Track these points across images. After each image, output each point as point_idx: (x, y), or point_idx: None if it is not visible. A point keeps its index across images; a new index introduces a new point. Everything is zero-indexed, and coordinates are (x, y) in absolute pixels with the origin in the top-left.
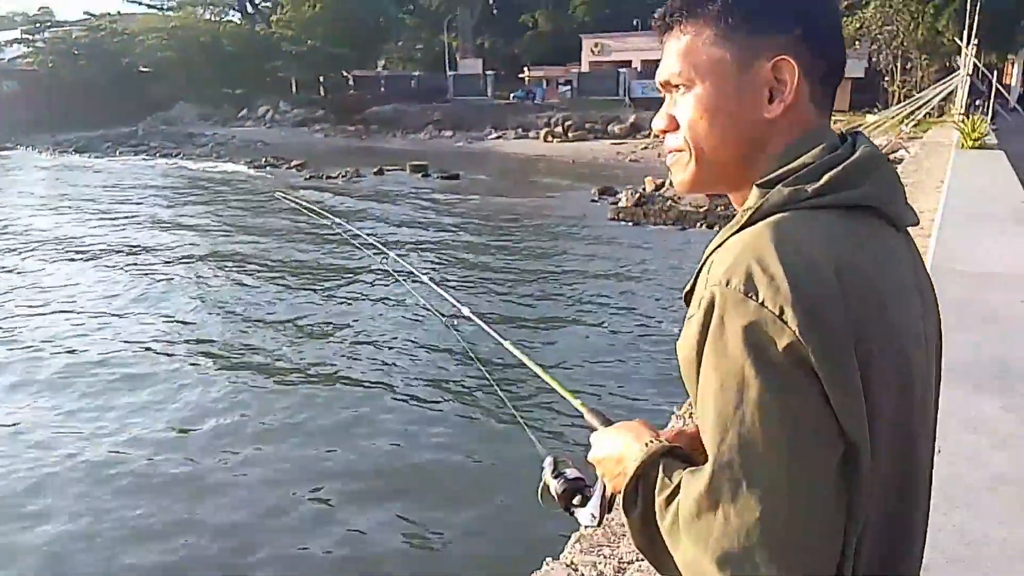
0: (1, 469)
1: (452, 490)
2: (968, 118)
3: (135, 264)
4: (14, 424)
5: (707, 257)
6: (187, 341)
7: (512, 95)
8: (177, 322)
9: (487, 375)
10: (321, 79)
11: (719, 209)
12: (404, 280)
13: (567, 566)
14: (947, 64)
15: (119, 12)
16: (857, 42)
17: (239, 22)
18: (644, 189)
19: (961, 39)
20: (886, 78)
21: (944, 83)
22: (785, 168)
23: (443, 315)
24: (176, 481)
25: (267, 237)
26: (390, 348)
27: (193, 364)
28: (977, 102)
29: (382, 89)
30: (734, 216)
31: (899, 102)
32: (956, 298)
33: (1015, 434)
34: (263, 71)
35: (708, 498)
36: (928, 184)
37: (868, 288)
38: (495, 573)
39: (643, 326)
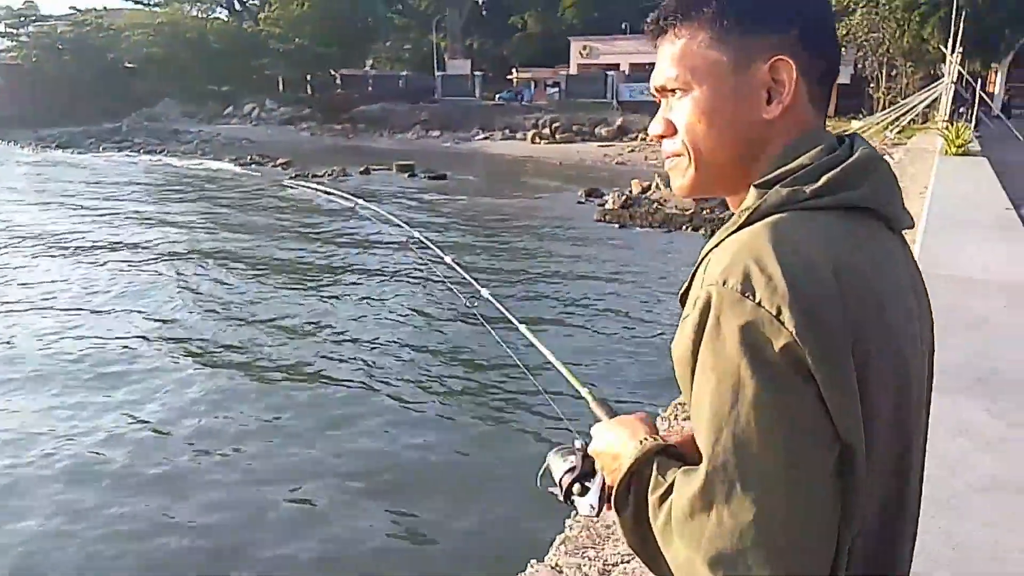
0: None
1: (436, 491)
2: (952, 125)
3: (117, 260)
4: None
5: (703, 257)
6: (167, 339)
7: (497, 96)
8: (159, 320)
9: (508, 349)
10: (308, 77)
11: (705, 212)
12: (423, 256)
13: (552, 568)
14: (932, 71)
15: (105, 7)
16: (843, 48)
17: (226, 19)
18: (631, 191)
19: (946, 47)
20: (871, 84)
21: (929, 90)
22: (783, 169)
23: (460, 295)
24: (167, 478)
25: (252, 234)
26: (372, 348)
27: (174, 361)
28: (961, 109)
29: (370, 88)
30: (720, 219)
31: (884, 108)
32: (940, 303)
33: (1001, 438)
34: (250, 69)
35: (702, 498)
36: (912, 190)
37: (866, 289)
38: (479, 574)
39: (628, 328)
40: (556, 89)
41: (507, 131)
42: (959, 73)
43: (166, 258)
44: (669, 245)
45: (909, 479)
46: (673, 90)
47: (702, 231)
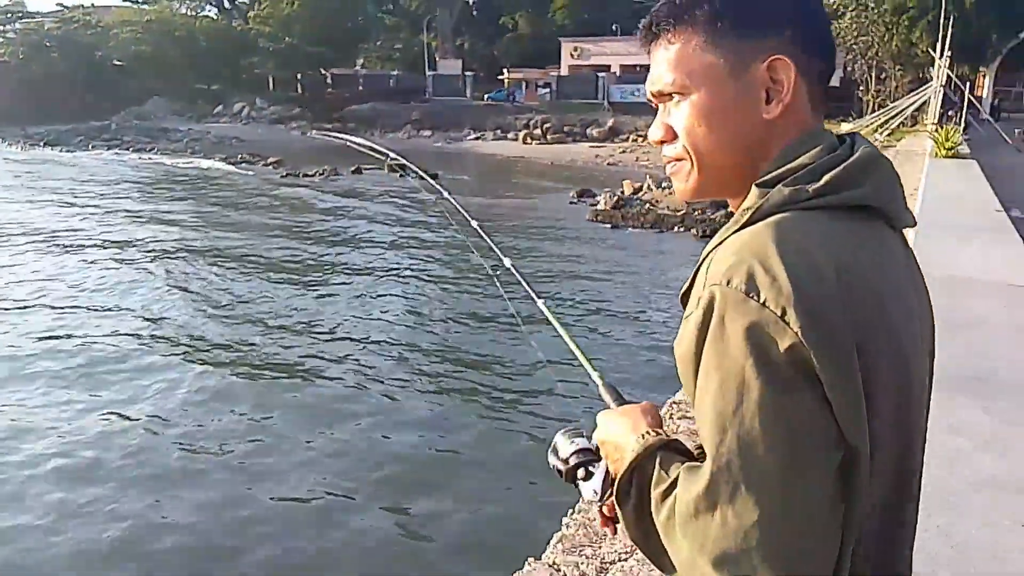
0: None
1: (433, 489)
2: (942, 128)
3: (107, 258)
4: None
5: (705, 256)
6: (158, 337)
7: (487, 96)
8: (150, 318)
9: (517, 316)
10: (299, 77)
11: (696, 213)
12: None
13: (549, 566)
14: (920, 75)
15: (93, 4)
16: None
17: (215, 17)
18: (622, 192)
19: (934, 51)
20: (861, 88)
21: (918, 93)
22: (785, 168)
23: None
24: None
25: (243, 232)
26: (366, 346)
27: (165, 358)
28: (950, 112)
29: (360, 88)
30: (711, 220)
31: (873, 111)
32: (934, 303)
33: (997, 436)
34: (239, 67)
35: (706, 499)
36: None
37: (868, 289)
38: (476, 573)
39: (620, 327)
40: (547, 90)
41: (498, 131)
42: (948, 77)
43: (157, 255)
44: (661, 245)
45: (909, 479)
46: (671, 95)
47: (693, 232)
